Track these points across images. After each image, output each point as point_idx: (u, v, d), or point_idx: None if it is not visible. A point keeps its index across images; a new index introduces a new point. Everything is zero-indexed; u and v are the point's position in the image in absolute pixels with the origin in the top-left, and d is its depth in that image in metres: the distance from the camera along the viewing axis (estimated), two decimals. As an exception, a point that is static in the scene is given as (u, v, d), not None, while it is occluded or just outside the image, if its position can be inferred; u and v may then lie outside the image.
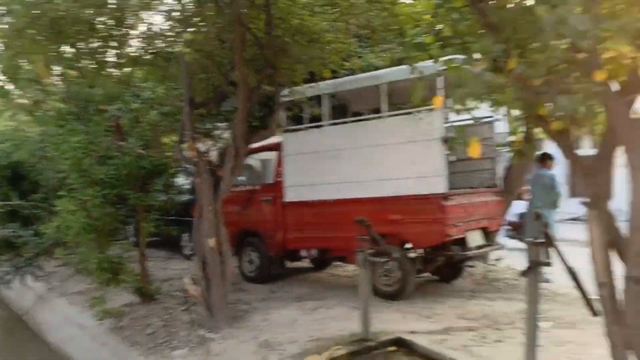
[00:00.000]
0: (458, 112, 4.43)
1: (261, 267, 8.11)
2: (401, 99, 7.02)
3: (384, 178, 6.87)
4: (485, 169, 8.01)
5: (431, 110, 6.23)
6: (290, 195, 7.71)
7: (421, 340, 4.99)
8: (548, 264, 4.12)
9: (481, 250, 7.30)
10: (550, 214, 7.94)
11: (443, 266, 7.38)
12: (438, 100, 2.92)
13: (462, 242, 6.91)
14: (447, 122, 6.67)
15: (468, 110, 3.41)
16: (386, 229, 6.75)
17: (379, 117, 7.07)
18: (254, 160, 8.63)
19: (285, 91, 7.04)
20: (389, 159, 6.84)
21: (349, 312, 5.95)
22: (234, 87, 6.20)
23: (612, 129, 2.82)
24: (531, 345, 4.09)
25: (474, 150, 2.78)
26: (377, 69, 8.02)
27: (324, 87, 7.39)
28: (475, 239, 7.16)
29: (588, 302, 3.39)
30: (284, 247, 7.90)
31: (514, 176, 8.65)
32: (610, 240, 2.93)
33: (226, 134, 7.31)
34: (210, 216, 5.73)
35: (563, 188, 8.59)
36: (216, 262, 5.80)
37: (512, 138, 7.47)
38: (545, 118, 2.91)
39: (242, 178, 8.27)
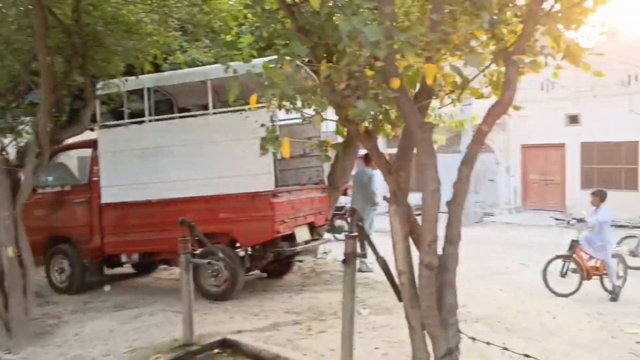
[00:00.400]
0: (287, 110, 4.51)
1: (74, 276, 7.42)
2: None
3: (211, 176, 6.74)
4: (312, 166, 8.34)
5: (259, 108, 6.28)
6: (108, 196, 7.15)
7: (248, 339, 5.00)
8: (364, 255, 4.42)
9: (309, 245, 7.59)
10: (368, 209, 8.60)
11: (272, 262, 7.51)
12: (254, 99, 2.92)
13: (290, 238, 7.10)
14: (275, 121, 6.79)
15: (296, 109, 3.48)
16: (215, 228, 6.70)
17: (205, 114, 6.92)
18: (66, 159, 7.87)
19: (101, 83, 6.51)
20: (216, 157, 6.74)
21: (174, 317, 5.73)
22: (37, 77, 5.55)
23: (408, 131, 3.09)
24: (347, 332, 4.34)
25: (286, 150, 2.83)
26: (203, 64, 7.85)
27: (146, 80, 6.99)
28: (303, 234, 7.41)
29: (395, 289, 3.69)
30: (101, 253, 7.32)
31: (339, 173, 9.18)
32: (408, 231, 3.21)
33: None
34: (7, 222, 5.05)
35: (383, 185, 9.36)
36: (16, 274, 5.13)
37: (339, 137, 7.88)
38: (354, 119, 3.07)
39: (51, 178, 7.49)
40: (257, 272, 7.80)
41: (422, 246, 3.05)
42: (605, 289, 7.44)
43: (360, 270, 8.57)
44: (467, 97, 3.68)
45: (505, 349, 2.79)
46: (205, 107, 6.98)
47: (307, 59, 3.08)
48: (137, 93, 7.22)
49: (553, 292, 7.41)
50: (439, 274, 3.11)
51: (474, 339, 2.94)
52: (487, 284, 8.11)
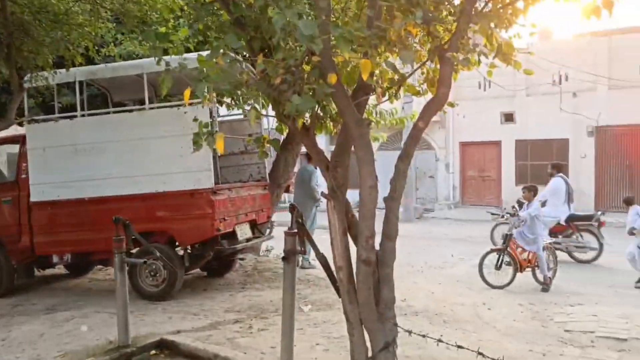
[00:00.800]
0: (229, 107, 4.39)
1: (1, 278, 7.03)
2: (170, 91, 6.78)
3: (148, 173, 6.55)
4: (254, 163, 8.27)
5: (197, 103, 6.15)
6: (38, 194, 6.79)
7: (186, 339, 4.88)
8: (303, 252, 4.40)
9: (251, 243, 7.52)
10: (310, 206, 8.63)
11: (213, 261, 7.38)
12: (187, 93, 2.83)
13: (231, 236, 7.01)
14: (214, 117, 6.68)
15: (238, 105, 3.41)
16: (153, 226, 6.55)
17: (142, 109, 6.70)
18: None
19: (28, 76, 6.15)
20: (153, 154, 6.54)
21: (109, 319, 5.52)
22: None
23: (345, 128, 3.09)
24: (287, 329, 4.31)
25: (220, 145, 2.77)
26: (139, 57, 7.60)
27: (77, 73, 6.67)
28: (244, 231, 7.33)
29: (335, 285, 3.70)
30: (30, 254, 6.96)
31: (281, 170, 9.14)
32: (347, 227, 3.22)
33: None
34: None
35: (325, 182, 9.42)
36: None
37: (279, 134, 7.77)
38: (290, 115, 3.04)
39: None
40: (197, 270, 7.65)
41: (360, 242, 3.06)
42: (537, 280, 7.78)
43: (302, 267, 8.60)
44: (406, 94, 3.73)
45: (440, 340, 2.85)
46: (142, 102, 6.76)
47: (246, 53, 3.03)
48: (69, 86, 6.90)
49: (489, 284, 7.68)
50: (376, 269, 3.13)
51: (410, 332, 2.99)
52: (427, 277, 8.32)
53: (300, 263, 8.73)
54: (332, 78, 2.61)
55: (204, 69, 2.69)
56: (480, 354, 2.52)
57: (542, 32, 19.40)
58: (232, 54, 2.71)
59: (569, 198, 10.12)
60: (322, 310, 6.07)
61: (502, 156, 18.50)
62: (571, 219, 10.01)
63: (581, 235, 9.94)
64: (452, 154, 19.52)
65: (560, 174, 10.35)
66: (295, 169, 9.38)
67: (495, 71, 3.22)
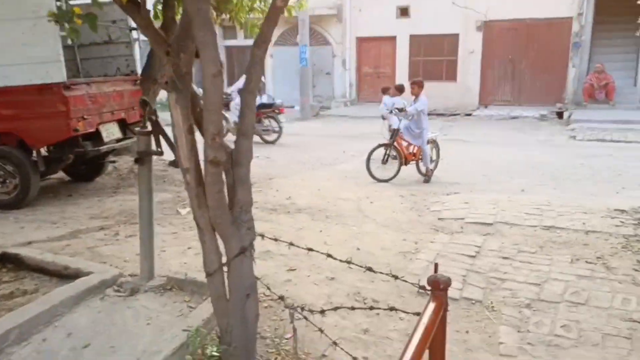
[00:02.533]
0: None
1: None
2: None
3: (-17, 65, 5.55)
4: (121, 54, 7.38)
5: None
6: None
7: (34, 252, 4.38)
8: (160, 153, 3.99)
9: (120, 144, 6.86)
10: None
11: (80, 164, 6.70)
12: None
13: (96, 137, 6.32)
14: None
15: None
16: (-4, 127, 5.66)
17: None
18: None
19: None
20: (-12, 41, 5.51)
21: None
22: None
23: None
24: (146, 235, 4.00)
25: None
26: None
27: None
28: (112, 132, 6.65)
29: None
30: None
31: (158, 62, 8.26)
32: (192, 124, 2.80)
33: None
34: None
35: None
36: None
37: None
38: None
39: None
40: (61, 174, 6.94)
41: (206, 140, 2.66)
42: (420, 172, 7.97)
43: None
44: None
45: (291, 244, 2.65)
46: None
47: None
48: None
49: (375, 178, 7.74)
50: (230, 169, 2.78)
51: (263, 235, 2.75)
52: (316, 175, 8.24)
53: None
54: None
55: None
56: (330, 256, 2.34)
57: None
58: None
59: (259, 90, 11.50)
60: (201, 212, 5.75)
61: (396, 52, 18.39)
62: (260, 107, 11.19)
63: (269, 121, 11.56)
64: (349, 50, 19.09)
65: None
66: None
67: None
